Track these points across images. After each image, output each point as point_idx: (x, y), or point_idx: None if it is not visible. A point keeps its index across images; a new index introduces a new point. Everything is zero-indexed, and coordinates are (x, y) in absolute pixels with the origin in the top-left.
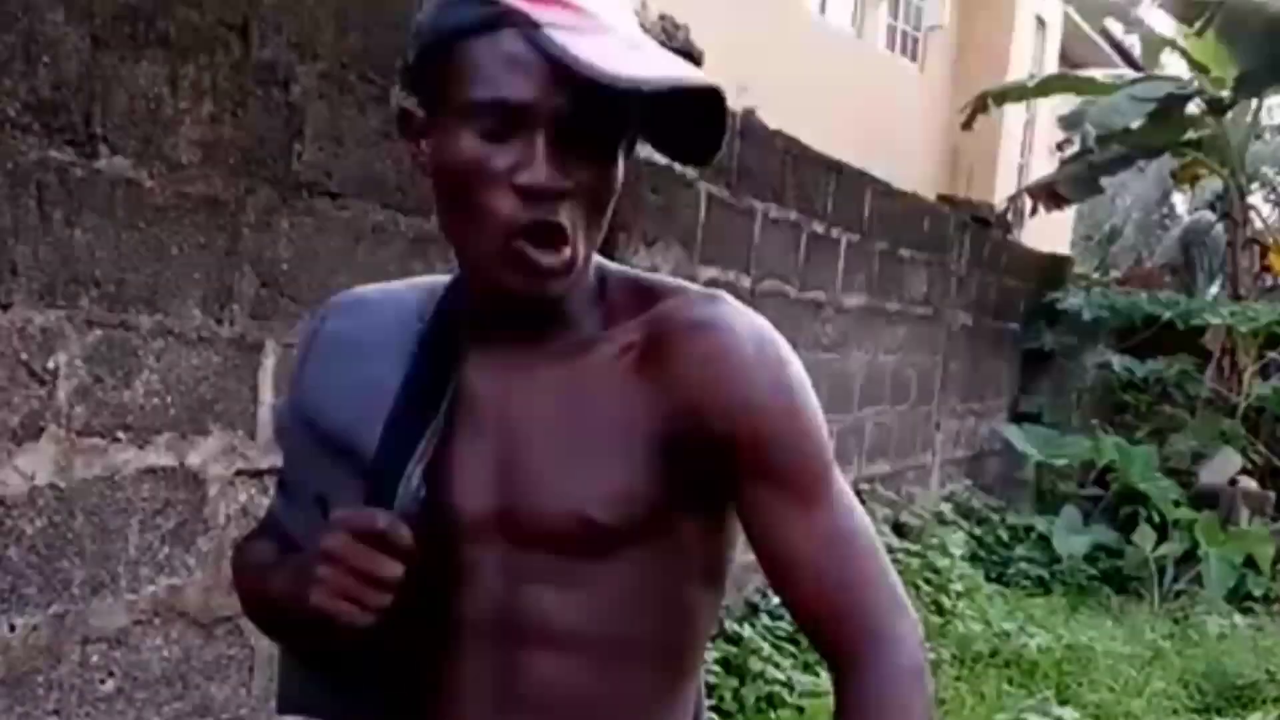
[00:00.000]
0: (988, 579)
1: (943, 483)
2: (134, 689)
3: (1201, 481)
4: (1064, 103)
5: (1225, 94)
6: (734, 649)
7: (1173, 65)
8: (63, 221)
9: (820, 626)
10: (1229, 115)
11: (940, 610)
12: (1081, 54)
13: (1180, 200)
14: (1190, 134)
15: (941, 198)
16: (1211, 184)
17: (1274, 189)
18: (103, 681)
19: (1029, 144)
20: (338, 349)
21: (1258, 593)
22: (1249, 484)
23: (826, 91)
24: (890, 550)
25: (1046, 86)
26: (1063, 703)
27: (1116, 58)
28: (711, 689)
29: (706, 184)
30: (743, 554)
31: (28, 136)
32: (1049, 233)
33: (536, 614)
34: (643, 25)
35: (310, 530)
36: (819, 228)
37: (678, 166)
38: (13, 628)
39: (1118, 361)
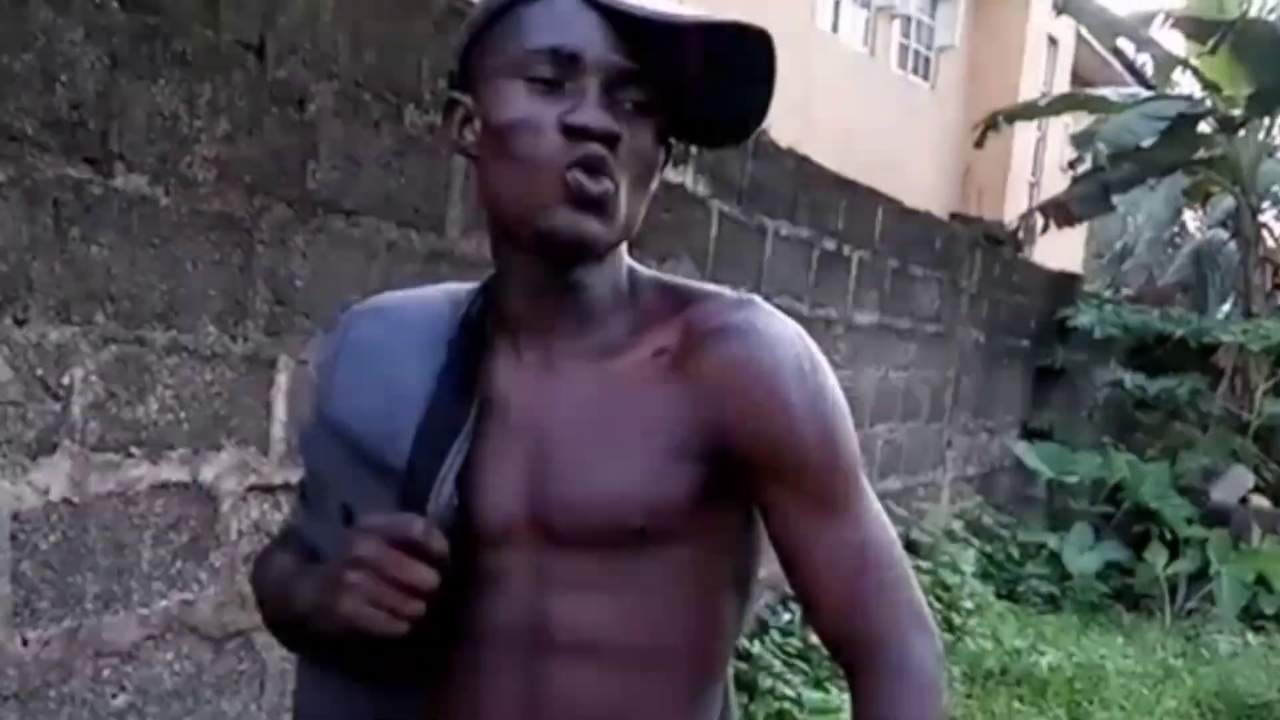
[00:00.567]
0: (998, 596)
1: (954, 499)
2: (145, 703)
3: (1213, 499)
4: (1075, 121)
5: (1237, 113)
6: (744, 665)
7: (1185, 84)
8: (79, 238)
9: (837, 636)
10: (1241, 134)
11: (951, 627)
12: (1093, 73)
13: (1192, 218)
14: (1202, 152)
15: (953, 216)
16: (1223, 202)
17: None
18: (114, 696)
19: (1040, 162)
20: (365, 355)
21: (1270, 611)
22: (1261, 502)
23: (838, 110)
24: None
25: (1058, 105)
26: None
27: (1128, 76)
28: None
29: (718, 201)
30: None
31: (45, 154)
32: (1060, 250)
33: (566, 621)
34: None
35: (339, 539)
36: (830, 245)
37: (689, 184)
38: (25, 641)
39: (1129, 379)
